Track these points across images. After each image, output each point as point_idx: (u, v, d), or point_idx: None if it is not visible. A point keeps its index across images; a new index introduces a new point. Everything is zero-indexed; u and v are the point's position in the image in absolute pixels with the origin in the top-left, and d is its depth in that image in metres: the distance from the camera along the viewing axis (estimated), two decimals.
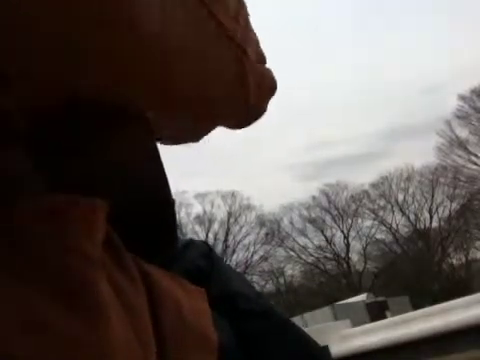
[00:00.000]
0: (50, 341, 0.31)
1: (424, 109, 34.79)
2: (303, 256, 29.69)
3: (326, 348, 4.41)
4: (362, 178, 40.08)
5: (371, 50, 35.11)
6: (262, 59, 0.49)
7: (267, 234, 29.11)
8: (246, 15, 0.45)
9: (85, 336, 0.32)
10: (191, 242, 0.64)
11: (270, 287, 28.57)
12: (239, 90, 0.43)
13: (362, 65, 35.55)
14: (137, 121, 0.46)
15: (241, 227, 29.13)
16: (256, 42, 0.48)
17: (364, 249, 29.43)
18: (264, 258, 29.02)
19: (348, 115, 35.24)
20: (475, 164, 26.76)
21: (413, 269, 26.97)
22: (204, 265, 0.60)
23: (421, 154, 36.74)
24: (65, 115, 0.41)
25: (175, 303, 0.44)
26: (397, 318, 5.30)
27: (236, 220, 29.16)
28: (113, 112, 0.43)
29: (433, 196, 28.22)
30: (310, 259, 29.94)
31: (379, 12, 35.79)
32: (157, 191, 0.51)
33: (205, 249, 0.63)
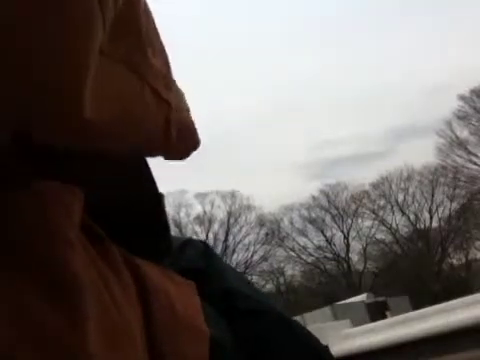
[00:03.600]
0: (34, 337, 0.31)
1: (428, 109, 34.81)
2: (303, 256, 29.72)
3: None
4: (366, 178, 40.08)
5: (373, 50, 35.13)
6: (187, 109, 0.52)
7: (267, 234, 29.14)
8: (171, 74, 0.47)
9: (66, 332, 0.32)
10: (189, 241, 0.64)
11: (270, 287, 28.59)
12: (163, 140, 0.46)
13: (364, 65, 35.58)
14: None
15: (241, 227, 29.17)
16: (181, 95, 0.51)
17: (364, 249, 29.45)
18: (264, 258, 29.04)
19: (351, 115, 35.26)
20: (475, 164, 26.78)
21: (413, 269, 26.97)
22: (202, 264, 0.60)
23: (425, 154, 36.77)
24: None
25: (166, 296, 0.45)
26: (397, 318, 5.30)
27: (236, 220, 29.18)
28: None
29: (433, 196, 28.24)
30: (310, 259, 29.96)
31: (381, 12, 35.81)
32: (143, 186, 0.51)
33: (203, 248, 0.63)
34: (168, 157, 0.50)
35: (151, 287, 0.43)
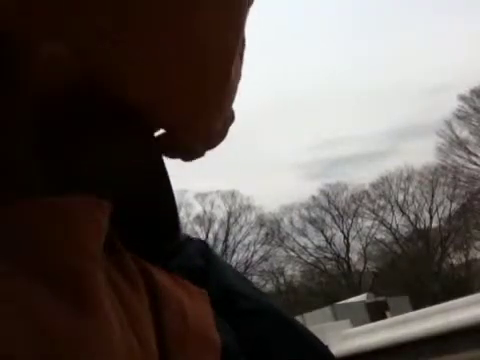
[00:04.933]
0: (50, 342, 0.31)
1: (429, 109, 34.81)
2: (303, 256, 29.74)
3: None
4: (366, 178, 40.09)
5: (373, 50, 35.11)
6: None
7: (267, 234, 29.15)
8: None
9: (86, 337, 0.32)
10: (189, 240, 0.64)
11: (270, 287, 28.60)
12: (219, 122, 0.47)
13: (364, 65, 35.55)
14: (135, 117, 0.45)
15: (241, 227, 29.18)
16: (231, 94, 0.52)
17: (364, 249, 29.47)
18: (264, 258, 29.06)
19: (351, 115, 35.25)
20: (475, 164, 26.79)
21: (413, 269, 26.98)
22: (202, 264, 0.59)
23: (425, 154, 36.78)
24: (65, 111, 0.41)
25: (178, 305, 0.44)
26: (397, 318, 5.30)
27: (236, 220, 29.20)
28: (112, 108, 0.43)
29: (433, 196, 28.26)
30: (310, 259, 29.98)
31: (382, 12, 35.80)
32: (158, 186, 0.50)
33: (203, 247, 0.63)
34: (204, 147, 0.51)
35: (163, 296, 0.43)
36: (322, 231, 29.48)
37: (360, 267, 29.55)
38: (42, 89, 0.39)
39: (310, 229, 29.55)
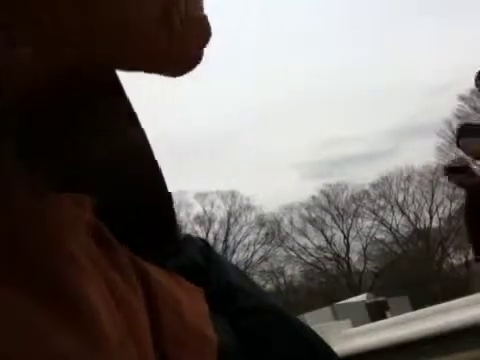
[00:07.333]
0: (39, 351, 0.30)
1: (429, 109, 34.81)
2: (303, 256, 29.74)
3: None
4: (366, 178, 40.10)
5: (374, 50, 35.11)
6: (199, 7, 0.45)
7: (267, 234, 29.17)
8: None
9: (75, 347, 0.32)
10: (188, 238, 0.64)
11: (270, 287, 28.59)
12: (162, 28, 0.39)
13: (365, 65, 35.55)
14: (126, 116, 0.46)
15: (241, 227, 29.19)
16: None
17: (364, 249, 29.46)
18: (264, 258, 29.07)
19: (351, 115, 35.25)
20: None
21: (413, 269, 26.98)
22: (201, 261, 0.60)
23: (425, 154, 36.78)
24: (55, 110, 0.41)
25: (174, 302, 0.44)
26: (397, 318, 5.30)
27: (236, 220, 29.21)
28: (103, 106, 0.43)
29: (433, 196, 28.27)
30: (310, 259, 29.98)
31: (382, 12, 35.80)
32: (153, 186, 0.51)
33: (203, 246, 0.63)
34: (168, 65, 0.43)
35: (160, 293, 0.43)
36: (322, 231, 29.51)
37: (360, 267, 29.57)
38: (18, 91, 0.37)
39: (310, 229, 29.59)
